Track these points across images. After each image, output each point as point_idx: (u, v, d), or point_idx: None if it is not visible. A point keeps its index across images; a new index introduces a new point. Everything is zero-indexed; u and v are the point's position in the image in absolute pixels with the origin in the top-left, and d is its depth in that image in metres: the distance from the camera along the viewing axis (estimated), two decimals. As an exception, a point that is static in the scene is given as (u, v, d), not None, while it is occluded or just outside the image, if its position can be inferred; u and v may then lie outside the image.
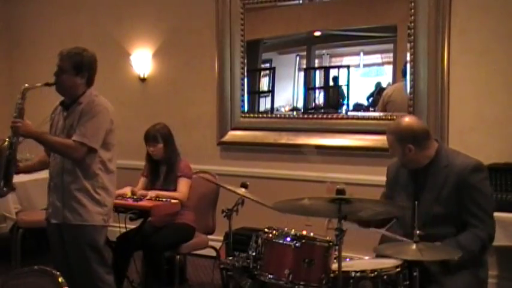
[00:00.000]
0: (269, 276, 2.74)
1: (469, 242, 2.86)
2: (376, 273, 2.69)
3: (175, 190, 4.35)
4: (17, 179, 5.21)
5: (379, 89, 4.97)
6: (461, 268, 2.83)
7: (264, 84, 5.56)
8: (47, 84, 3.34)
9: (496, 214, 3.85)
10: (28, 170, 3.63)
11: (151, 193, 4.25)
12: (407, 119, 3.11)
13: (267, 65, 5.53)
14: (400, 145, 2.99)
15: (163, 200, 4.21)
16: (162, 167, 4.46)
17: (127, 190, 4.34)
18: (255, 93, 5.54)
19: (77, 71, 3.32)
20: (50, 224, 3.49)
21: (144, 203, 4.12)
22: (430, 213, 2.92)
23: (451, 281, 2.84)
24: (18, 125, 3.24)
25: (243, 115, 5.46)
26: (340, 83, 5.14)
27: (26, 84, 3.34)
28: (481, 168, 2.96)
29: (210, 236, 4.60)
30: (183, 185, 4.37)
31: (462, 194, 2.90)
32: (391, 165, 3.26)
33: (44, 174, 5.40)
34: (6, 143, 3.27)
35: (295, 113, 5.31)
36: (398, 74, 4.80)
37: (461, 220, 2.92)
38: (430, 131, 3.07)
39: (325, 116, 5.10)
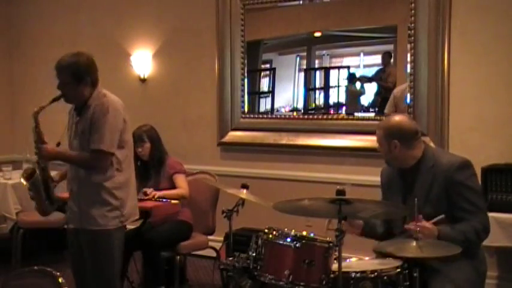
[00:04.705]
0: (269, 276, 2.74)
1: (464, 229, 2.85)
2: (376, 273, 2.69)
3: (168, 188, 4.35)
4: (17, 179, 5.30)
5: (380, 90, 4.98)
6: (461, 260, 2.83)
7: (264, 84, 5.56)
8: (54, 100, 3.29)
9: (496, 215, 3.87)
10: (63, 179, 3.59)
11: (159, 193, 4.25)
12: (398, 117, 3.14)
13: (267, 65, 5.53)
14: (386, 141, 3.01)
15: (164, 200, 4.22)
16: (151, 166, 4.45)
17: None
18: (255, 94, 5.54)
19: (78, 79, 3.24)
20: (68, 229, 3.47)
21: (144, 203, 4.11)
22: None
23: (452, 272, 2.83)
24: (40, 152, 3.27)
25: (243, 116, 5.46)
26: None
27: (35, 109, 3.28)
28: (466, 165, 2.96)
29: (210, 237, 4.60)
30: (181, 181, 4.38)
31: (450, 192, 2.90)
32: (383, 169, 3.26)
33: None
34: (36, 173, 3.33)
35: (295, 113, 5.31)
36: (399, 74, 4.79)
37: (453, 217, 2.91)
38: (419, 133, 3.06)
39: (325, 117, 5.10)
